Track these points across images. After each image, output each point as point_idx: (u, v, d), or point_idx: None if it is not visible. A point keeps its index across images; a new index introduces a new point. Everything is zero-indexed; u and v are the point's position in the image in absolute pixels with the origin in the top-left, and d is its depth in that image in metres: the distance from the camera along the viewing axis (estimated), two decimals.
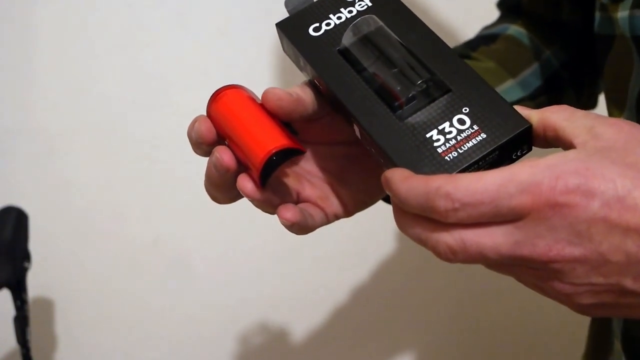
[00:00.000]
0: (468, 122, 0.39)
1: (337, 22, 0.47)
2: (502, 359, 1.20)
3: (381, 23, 0.46)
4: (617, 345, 0.55)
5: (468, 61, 0.63)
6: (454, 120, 0.40)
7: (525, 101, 0.64)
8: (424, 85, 0.42)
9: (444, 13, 1.02)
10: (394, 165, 0.39)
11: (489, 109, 0.39)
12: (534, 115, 0.38)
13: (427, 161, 0.39)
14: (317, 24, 0.48)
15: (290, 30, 0.49)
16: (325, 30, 0.47)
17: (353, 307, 1.13)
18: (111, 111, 0.97)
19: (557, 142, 0.38)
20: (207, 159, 0.47)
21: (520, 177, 0.34)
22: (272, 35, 0.97)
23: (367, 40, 0.45)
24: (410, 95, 0.41)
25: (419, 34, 0.44)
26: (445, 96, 0.41)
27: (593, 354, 0.61)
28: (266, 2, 0.97)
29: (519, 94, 0.64)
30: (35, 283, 0.84)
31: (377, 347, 1.16)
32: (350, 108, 0.43)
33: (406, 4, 0.47)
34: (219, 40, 0.97)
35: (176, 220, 1.02)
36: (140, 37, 0.95)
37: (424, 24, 0.45)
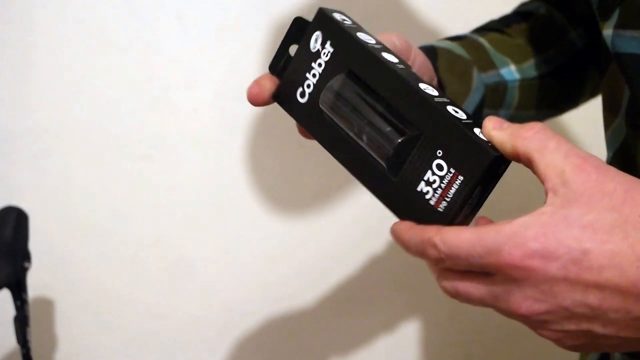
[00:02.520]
0: (445, 166, 0.42)
1: (314, 80, 0.49)
2: (502, 356, 1.21)
3: (346, 80, 0.47)
4: None
5: (500, 35, 0.68)
6: (434, 166, 0.43)
7: (549, 78, 0.68)
8: (401, 139, 0.44)
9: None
10: (399, 218, 0.45)
11: (457, 148, 0.42)
12: (506, 143, 0.41)
13: (424, 214, 0.43)
14: (301, 89, 0.49)
15: (285, 101, 0.51)
16: (309, 94, 0.49)
17: (354, 308, 1.13)
18: (111, 111, 0.97)
19: (531, 169, 0.41)
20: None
21: (486, 241, 0.38)
22: (272, 35, 0.98)
23: (342, 102, 0.47)
24: (391, 154, 0.44)
25: (382, 76, 0.45)
26: (420, 141, 0.43)
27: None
28: (266, 2, 0.97)
29: (541, 70, 0.67)
30: (35, 283, 0.84)
31: (377, 347, 1.16)
32: (350, 171, 0.47)
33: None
34: (219, 40, 0.97)
35: (176, 220, 1.02)
36: (140, 37, 0.95)
37: (382, 60, 0.46)
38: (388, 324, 1.16)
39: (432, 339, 1.18)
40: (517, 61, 0.67)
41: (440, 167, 0.42)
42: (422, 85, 0.44)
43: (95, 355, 1.04)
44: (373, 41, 0.48)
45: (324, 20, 0.48)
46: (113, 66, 0.95)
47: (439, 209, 0.42)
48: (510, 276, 0.38)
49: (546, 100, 0.70)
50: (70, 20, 0.92)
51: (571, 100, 0.72)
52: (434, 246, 0.40)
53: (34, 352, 0.75)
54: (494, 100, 0.65)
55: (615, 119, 0.53)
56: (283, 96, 0.51)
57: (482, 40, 0.67)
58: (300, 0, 0.94)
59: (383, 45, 0.48)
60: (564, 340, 0.40)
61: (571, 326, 0.38)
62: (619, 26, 0.49)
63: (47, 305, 1.00)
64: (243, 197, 1.02)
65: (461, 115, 0.43)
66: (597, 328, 0.38)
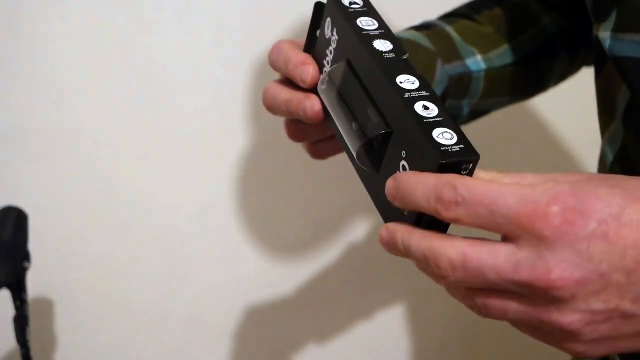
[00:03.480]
0: (407, 168, 0.40)
1: (327, 68, 0.49)
2: (502, 356, 1.21)
3: (342, 70, 0.46)
4: None
5: (470, 23, 0.67)
6: (400, 167, 0.40)
7: (518, 65, 0.67)
8: (370, 137, 0.43)
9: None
10: (382, 216, 0.43)
11: (416, 149, 0.39)
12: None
13: (396, 215, 0.40)
14: (323, 76, 0.49)
15: (315, 88, 0.51)
16: (324, 81, 0.49)
17: (354, 308, 1.13)
18: (111, 111, 0.97)
19: None
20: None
21: (521, 192, 0.34)
22: (272, 35, 0.98)
23: (334, 92, 0.47)
24: (366, 150, 0.43)
25: (367, 66, 0.44)
26: (392, 139, 0.41)
27: None
28: (266, 2, 0.97)
29: (509, 59, 0.67)
30: (35, 283, 0.84)
31: (377, 348, 1.16)
32: (352, 163, 0.46)
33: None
34: (219, 41, 0.97)
35: (176, 220, 1.02)
36: (140, 37, 0.95)
37: (369, 49, 0.44)
38: (388, 324, 1.16)
39: (432, 339, 1.19)
40: (484, 51, 0.66)
41: (405, 169, 0.40)
42: (400, 78, 0.41)
43: (95, 355, 1.04)
44: (375, 26, 0.45)
45: (332, 5, 0.47)
46: (113, 66, 0.95)
47: (405, 212, 0.40)
48: (542, 236, 0.33)
49: (514, 87, 0.69)
50: (70, 20, 0.92)
51: (539, 86, 0.72)
52: (454, 188, 0.35)
53: (34, 352, 0.75)
54: (458, 91, 0.65)
55: (612, 122, 0.53)
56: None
57: (449, 29, 0.66)
58: (300, 0, 0.94)
59: (385, 30, 0.46)
60: (580, 333, 0.35)
61: (599, 304, 0.34)
62: (617, 29, 0.49)
63: (47, 305, 1.00)
64: (243, 197, 1.02)
65: (431, 112, 0.39)
66: (627, 305, 0.34)
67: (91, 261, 1.01)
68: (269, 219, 1.05)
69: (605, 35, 0.50)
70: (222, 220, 1.04)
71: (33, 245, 0.77)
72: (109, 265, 1.01)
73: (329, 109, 0.47)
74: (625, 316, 0.35)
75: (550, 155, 1.16)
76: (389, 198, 0.39)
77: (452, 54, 0.65)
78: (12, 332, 0.74)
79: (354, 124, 0.44)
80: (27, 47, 0.92)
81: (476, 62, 0.66)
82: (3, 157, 0.94)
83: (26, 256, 0.76)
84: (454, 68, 0.64)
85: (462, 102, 0.66)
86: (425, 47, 0.62)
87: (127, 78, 0.96)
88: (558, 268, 0.33)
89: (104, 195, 0.99)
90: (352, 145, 0.44)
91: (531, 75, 0.70)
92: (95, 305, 1.03)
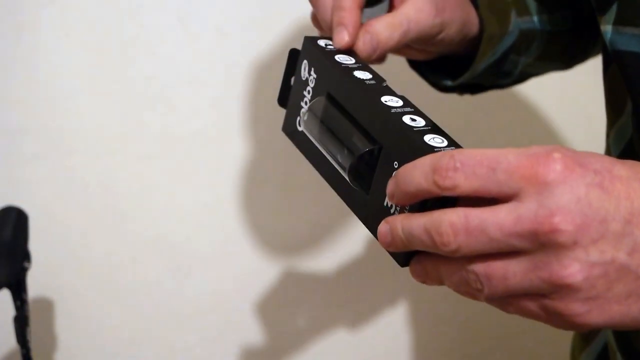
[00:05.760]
0: None
1: (306, 107, 0.49)
2: (502, 356, 1.21)
3: (323, 103, 0.47)
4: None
5: None
6: None
7: (572, 32, 0.66)
8: (360, 153, 0.43)
9: None
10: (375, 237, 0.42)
11: (409, 158, 0.39)
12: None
13: None
14: (299, 118, 0.50)
15: (290, 132, 0.52)
16: (305, 116, 0.49)
17: (354, 308, 1.13)
18: (111, 111, 0.97)
19: None
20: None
21: (519, 150, 0.35)
22: (272, 35, 0.98)
23: (318, 125, 0.47)
24: (355, 170, 0.44)
25: (350, 93, 0.45)
26: (381, 155, 0.42)
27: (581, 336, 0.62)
28: (266, 2, 0.98)
29: (567, 24, 0.66)
30: (35, 283, 0.84)
31: (376, 348, 1.16)
32: (335, 190, 0.47)
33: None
34: (219, 40, 0.97)
35: (176, 220, 1.02)
36: (140, 37, 0.95)
37: (350, 78, 0.46)
38: (388, 324, 1.16)
39: (432, 339, 1.19)
40: (548, 11, 0.66)
41: None
42: (384, 98, 0.43)
43: (95, 355, 1.04)
44: (352, 61, 0.48)
45: (308, 48, 0.49)
46: (113, 66, 0.95)
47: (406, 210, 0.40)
48: (545, 181, 0.34)
49: (565, 54, 0.69)
50: (70, 20, 0.92)
51: (582, 57, 0.72)
52: (451, 155, 0.35)
53: (34, 352, 0.75)
54: (521, 47, 0.64)
55: (620, 117, 0.52)
56: (288, 127, 0.52)
57: None
58: (300, 0, 0.94)
59: (363, 64, 0.48)
60: (582, 286, 0.34)
61: (596, 254, 0.34)
62: (617, 22, 0.48)
63: (47, 305, 1.00)
64: (243, 197, 1.02)
65: (418, 123, 0.41)
66: (622, 256, 0.35)
67: (91, 261, 1.01)
68: (269, 219, 1.05)
69: (606, 28, 0.49)
70: (222, 220, 1.04)
71: (33, 245, 0.77)
72: (109, 265, 1.01)
73: (314, 141, 0.48)
74: (620, 269, 0.35)
75: None
76: (389, 199, 0.39)
77: (523, 7, 0.64)
78: (12, 332, 0.74)
79: (340, 152, 0.45)
80: (27, 47, 0.92)
81: (541, 21, 0.64)
82: (3, 157, 0.94)
83: (26, 256, 0.76)
84: (524, 22, 0.63)
85: (520, 58, 0.65)
86: None
87: (127, 78, 0.96)
88: (560, 212, 0.34)
89: (104, 195, 0.99)
90: (342, 170, 0.45)
91: (580, 45, 0.69)
92: (95, 306, 1.03)
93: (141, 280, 1.03)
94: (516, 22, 0.62)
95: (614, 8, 0.48)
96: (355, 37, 0.49)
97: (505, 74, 0.66)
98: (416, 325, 1.18)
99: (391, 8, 0.55)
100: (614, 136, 0.54)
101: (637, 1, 0.47)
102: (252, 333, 1.09)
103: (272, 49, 0.98)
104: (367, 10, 0.53)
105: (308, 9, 0.57)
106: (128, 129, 0.97)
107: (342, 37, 0.49)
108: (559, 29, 0.66)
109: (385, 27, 0.50)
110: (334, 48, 0.49)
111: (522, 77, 0.70)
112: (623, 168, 0.36)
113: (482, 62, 0.61)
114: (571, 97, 1.11)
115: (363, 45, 0.50)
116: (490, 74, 0.64)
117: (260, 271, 1.07)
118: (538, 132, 1.14)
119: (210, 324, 1.07)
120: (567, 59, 0.71)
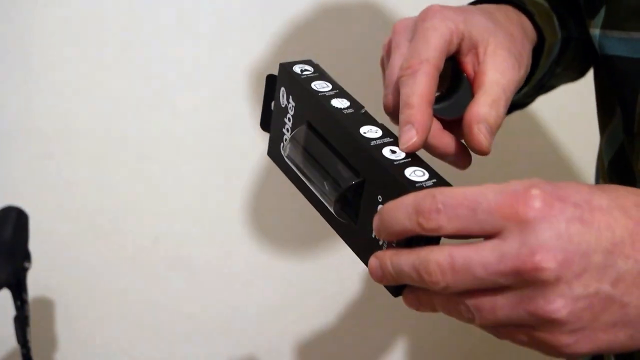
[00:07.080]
0: None
1: (288, 135, 0.49)
2: (502, 356, 1.21)
3: (305, 132, 0.47)
4: None
5: None
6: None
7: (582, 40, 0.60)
8: (345, 188, 0.43)
9: None
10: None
11: (391, 191, 0.40)
12: None
13: None
14: (282, 144, 0.50)
15: (275, 157, 0.52)
16: (287, 147, 0.49)
17: (354, 308, 1.13)
18: (111, 111, 0.97)
19: None
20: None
21: (497, 187, 0.35)
22: (272, 36, 0.98)
23: (301, 154, 0.47)
24: (342, 203, 0.43)
25: (329, 124, 0.45)
26: (365, 187, 0.42)
27: None
28: (266, 2, 0.97)
29: (580, 32, 0.60)
30: (35, 283, 0.84)
31: (375, 348, 1.16)
32: (324, 218, 0.47)
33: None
34: (219, 40, 0.97)
35: (176, 220, 1.02)
36: (140, 38, 0.95)
37: (328, 108, 0.45)
38: (388, 324, 1.16)
39: (431, 339, 1.19)
40: (572, 16, 0.61)
41: None
42: (363, 129, 0.43)
43: (95, 355, 1.04)
44: (329, 88, 0.47)
45: (284, 75, 0.49)
46: (113, 66, 0.95)
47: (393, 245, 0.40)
48: (525, 220, 0.34)
49: (583, 63, 0.64)
50: (70, 21, 0.92)
51: (589, 67, 0.67)
52: (433, 196, 0.36)
53: (34, 352, 0.75)
54: (560, 57, 0.59)
55: (611, 121, 0.52)
56: (272, 152, 0.52)
57: None
58: (300, 0, 0.94)
59: (340, 90, 0.47)
60: (567, 320, 0.35)
61: (580, 289, 0.35)
62: (605, 26, 0.48)
63: (47, 305, 1.00)
64: (243, 197, 1.02)
65: (399, 155, 0.41)
66: (606, 288, 0.35)
67: (91, 261, 1.01)
68: (269, 219, 1.05)
69: (595, 32, 0.49)
70: (221, 219, 1.04)
71: (33, 245, 0.77)
72: (109, 264, 1.01)
73: (297, 171, 0.48)
74: (605, 300, 0.35)
75: (548, 155, 1.16)
76: (375, 233, 0.40)
77: (561, 14, 0.59)
78: (12, 332, 0.74)
79: (325, 183, 0.45)
80: (26, 47, 0.92)
81: (573, 28, 0.60)
82: (3, 157, 0.94)
83: (26, 256, 0.76)
84: (564, 29, 0.59)
85: (557, 69, 0.60)
86: (541, 3, 0.57)
87: (127, 78, 0.96)
88: (542, 249, 0.34)
89: (104, 195, 0.99)
90: (327, 202, 0.45)
91: (590, 52, 0.63)
92: (95, 306, 1.03)
93: (141, 279, 1.03)
94: (559, 30, 0.58)
95: (602, 12, 0.48)
96: (424, 137, 0.43)
97: (547, 87, 0.62)
98: (416, 325, 1.18)
99: (471, 81, 0.48)
100: (606, 140, 0.54)
101: (624, 5, 0.46)
102: (252, 333, 1.10)
103: (272, 49, 0.98)
104: (454, 96, 0.48)
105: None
106: (128, 128, 0.97)
107: (410, 137, 0.43)
108: (581, 35, 0.61)
109: (489, 109, 0.45)
110: (310, 73, 0.48)
111: (547, 88, 0.64)
112: (602, 197, 0.36)
113: (539, 75, 0.56)
114: (569, 100, 1.11)
115: (485, 138, 0.45)
116: (535, 90, 0.60)
117: (261, 271, 1.07)
118: (536, 137, 1.14)
119: (210, 324, 1.07)
120: (582, 68, 0.67)
